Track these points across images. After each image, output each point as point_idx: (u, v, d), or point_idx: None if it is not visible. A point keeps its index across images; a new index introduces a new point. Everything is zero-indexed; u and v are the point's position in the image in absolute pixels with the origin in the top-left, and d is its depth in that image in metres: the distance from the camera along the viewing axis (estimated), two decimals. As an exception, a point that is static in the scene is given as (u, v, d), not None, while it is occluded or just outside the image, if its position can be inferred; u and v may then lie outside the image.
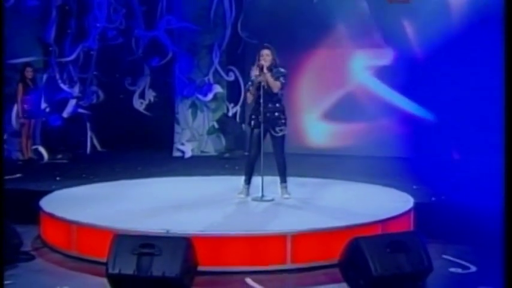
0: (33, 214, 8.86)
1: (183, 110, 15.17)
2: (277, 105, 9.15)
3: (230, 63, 15.25)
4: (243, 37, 14.87)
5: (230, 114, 15.40)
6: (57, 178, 11.50)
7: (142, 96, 15.78)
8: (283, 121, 9.15)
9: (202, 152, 15.14)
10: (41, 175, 11.87)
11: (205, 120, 15.24)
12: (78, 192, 9.94)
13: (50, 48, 14.26)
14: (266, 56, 9.05)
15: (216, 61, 14.94)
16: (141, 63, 15.35)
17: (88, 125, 15.34)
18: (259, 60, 9.04)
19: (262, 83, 8.96)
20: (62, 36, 14.46)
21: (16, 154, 13.48)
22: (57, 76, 14.40)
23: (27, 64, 13.51)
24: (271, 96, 9.05)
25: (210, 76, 14.99)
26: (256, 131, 9.13)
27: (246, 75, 14.41)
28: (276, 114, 9.11)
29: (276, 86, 8.97)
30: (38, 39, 14.22)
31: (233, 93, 15.34)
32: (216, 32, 14.86)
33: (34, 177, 11.65)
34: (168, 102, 15.42)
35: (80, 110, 15.07)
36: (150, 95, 15.76)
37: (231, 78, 15.22)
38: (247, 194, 9.30)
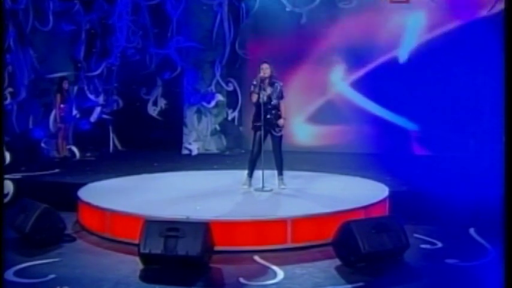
0: (71, 202, 8.81)
1: (190, 115, 14.99)
2: (276, 111, 9.15)
3: (229, 75, 15.07)
4: (239, 54, 14.79)
5: (229, 118, 15.27)
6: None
7: (155, 103, 15.55)
8: (280, 123, 9.18)
9: (206, 150, 14.94)
10: (74, 170, 11.74)
11: (208, 123, 15.06)
12: (108, 184, 9.89)
13: (79, 65, 14.14)
14: (266, 69, 9.09)
15: (217, 74, 14.78)
16: (155, 76, 15.15)
17: (110, 128, 15.19)
18: (259, 72, 9.04)
19: (263, 97, 9.02)
20: (89, 55, 14.35)
21: (53, 153, 13.34)
22: (86, 88, 14.31)
23: (64, 77, 13.35)
24: (271, 105, 9.10)
25: (213, 87, 14.80)
26: (258, 133, 9.15)
27: (243, 86, 14.51)
28: (275, 118, 9.13)
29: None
30: (70, 57, 14.05)
31: (232, 101, 15.21)
32: (218, 49, 14.72)
33: (69, 172, 11.54)
34: (177, 109, 15.21)
35: (104, 116, 14.91)
36: (162, 103, 15.53)
37: (230, 88, 15.07)
38: (250, 185, 9.27)
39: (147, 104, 15.54)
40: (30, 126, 13.01)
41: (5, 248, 6.69)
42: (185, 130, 15.05)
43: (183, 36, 14.49)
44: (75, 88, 14.07)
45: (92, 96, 14.52)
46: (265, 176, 9.07)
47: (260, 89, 9.06)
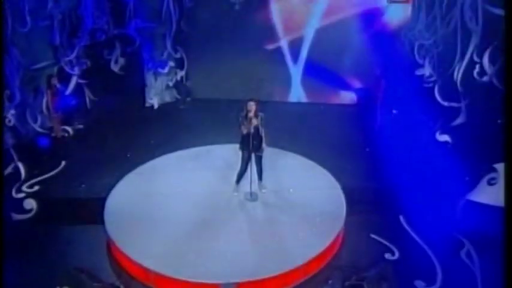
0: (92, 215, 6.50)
1: (149, 77, 11.95)
2: (260, 137, 7.45)
3: (177, 45, 11.95)
4: (183, 29, 11.69)
5: (178, 77, 12.33)
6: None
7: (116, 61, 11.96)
8: (263, 146, 7.52)
9: (163, 101, 12.22)
10: (74, 159, 8.96)
11: (163, 82, 12.16)
12: (127, 209, 7.26)
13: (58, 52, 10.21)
14: (252, 106, 7.26)
15: (168, 46, 11.67)
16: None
17: (85, 87, 11.49)
18: (247, 108, 7.21)
19: (251, 128, 7.22)
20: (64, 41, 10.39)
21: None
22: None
23: (51, 75, 9.89)
24: (257, 133, 7.39)
25: (165, 55, 11.76)
26: (246, 153, 7.52)
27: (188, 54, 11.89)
28: (260, 142, 7.47)
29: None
30: (49, 45, 10.10)
31: (180, 64, 12.21)
32: (166, 25, 11.48)
33: (72, 163, 8.80)
34: (139, 73, 11.93)
35: (80, 81, 11.23)
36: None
37: (178, 56, 12.03)
38: (238, 191, 7.74)
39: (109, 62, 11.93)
40: (28, 118, 9.37)
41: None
42: (146, 89, 12.13)
43: (140, 18, 10.89)
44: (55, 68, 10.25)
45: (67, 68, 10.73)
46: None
47: (248, 122, 6.89)
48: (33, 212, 7.28)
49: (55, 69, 10.27)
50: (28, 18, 9.01)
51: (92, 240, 6.65)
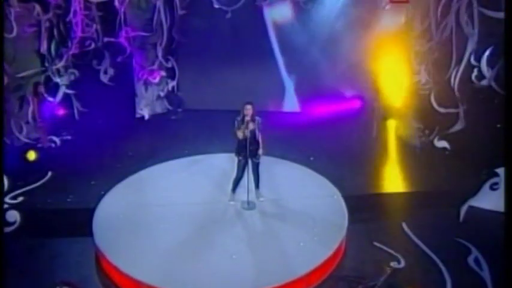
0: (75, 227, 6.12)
1: (139, 87, 11.57)
2: (257, 142, 7.06)
3: (168, 54, 11.58)
4: (175, 38, 11.33)
5: (170, 87, 11.95)
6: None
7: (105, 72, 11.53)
8: (260, 152, 7.11)
9: (154, 112, 11.84)
10: (60, 170, 8.52)
11: (153, 91, 11.79)
12: (115, 221, 6.77)
13: (46, 60, 9.79)
14: (249, 110, 6.89)
15: (159, 55, 11.30)
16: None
17: (73, 97, 11.03)
18: (243, 112, 6.85)
19: (247, 132, 6.84)
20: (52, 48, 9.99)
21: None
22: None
23: (38, 83, 9.49)
24: (253, 138, 7.01)
25: (156, 64, 11.37)
26: (242, 160, 7.07)
27: (179, 62, 11.47)
28: (256, 148, 7.07)
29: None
30: (36, 53, 9.68)
31: (171, 74, 11.81)
32: (157, 34, 11.12)
33: (59, 174, 8.36)
34: (128, 82, 11.49)
35: (67, 91, 10.81)
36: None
37: (169, 65, 11.67)
38: (234, 200, 7.26)
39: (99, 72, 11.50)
40: (13, 128, 8.89)
41: None
42: (136, 99, 11.74)
43: (130, 27, 10.61)
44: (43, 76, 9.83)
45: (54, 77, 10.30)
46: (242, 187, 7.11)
47: (245, 126, 6.55)
48: (16, 225, 6.87)
49: (42, 77, 10.00)
50: (14, 24, 8.71)
51: (79, 253, 6.25)
